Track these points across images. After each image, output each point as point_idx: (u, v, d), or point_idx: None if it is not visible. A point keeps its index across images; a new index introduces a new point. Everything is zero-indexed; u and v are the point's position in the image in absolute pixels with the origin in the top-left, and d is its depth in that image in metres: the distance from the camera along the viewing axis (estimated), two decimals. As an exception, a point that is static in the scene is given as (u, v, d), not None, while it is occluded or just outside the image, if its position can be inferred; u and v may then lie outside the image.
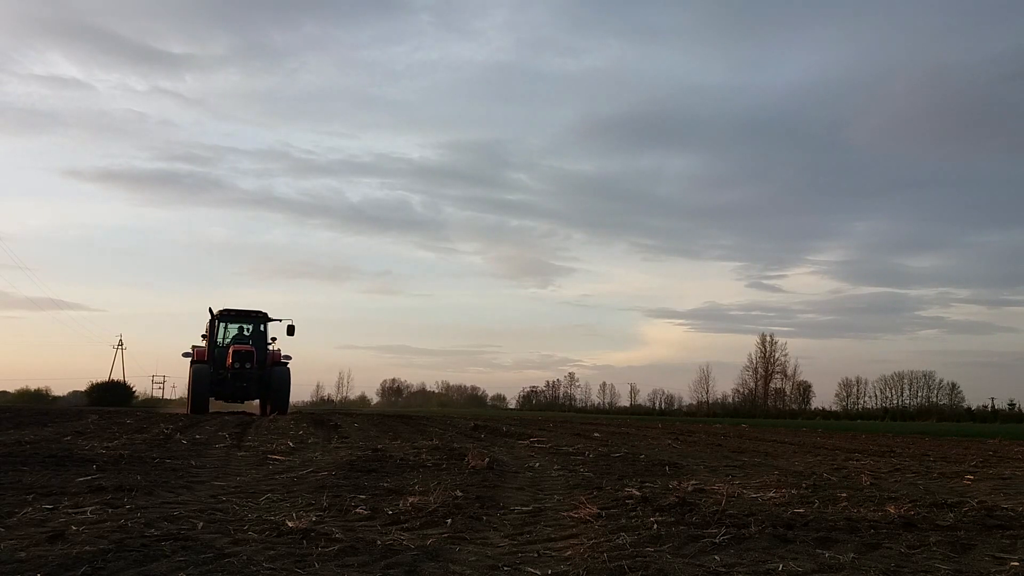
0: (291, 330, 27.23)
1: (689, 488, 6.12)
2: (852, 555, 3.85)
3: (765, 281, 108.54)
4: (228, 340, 27.75)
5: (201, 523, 4.15)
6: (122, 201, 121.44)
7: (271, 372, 26.35)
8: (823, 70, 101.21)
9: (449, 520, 4.52)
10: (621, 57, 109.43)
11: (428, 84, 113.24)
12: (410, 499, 5.13)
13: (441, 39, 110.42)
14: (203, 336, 27.59)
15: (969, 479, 8.25)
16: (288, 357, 27.61)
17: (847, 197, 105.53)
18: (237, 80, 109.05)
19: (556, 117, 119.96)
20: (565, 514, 4.85)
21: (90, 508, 4.52)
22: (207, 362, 26.28)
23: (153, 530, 3.89)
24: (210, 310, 26.88)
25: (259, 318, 27.58)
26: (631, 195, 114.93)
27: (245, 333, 28.10)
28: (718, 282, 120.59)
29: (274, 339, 27.85)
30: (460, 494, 5.49)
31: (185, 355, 27.29)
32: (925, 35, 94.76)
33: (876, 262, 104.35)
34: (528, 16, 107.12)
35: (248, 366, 25.73)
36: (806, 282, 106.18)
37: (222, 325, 27.93)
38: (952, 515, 5.18)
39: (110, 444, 9.12)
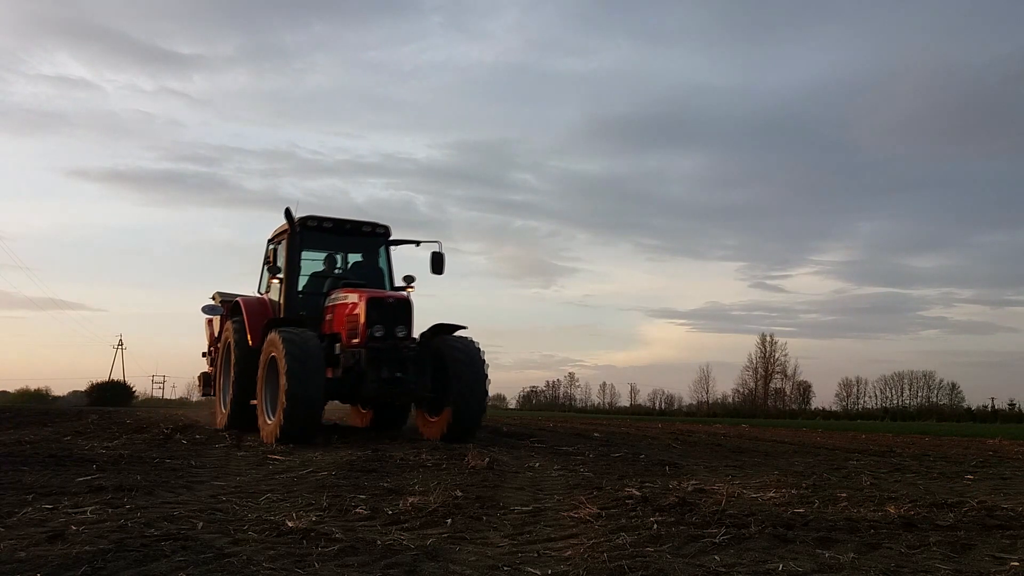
0: (437, 264, 12.40)
1: (689, 488, 6.12)
2: (852, 555, 3.85)
3: (768, 281, 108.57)
4: (309, 281, 12.44)
5: (201, 523, 4.15)
6: (128, 201, 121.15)
7: (441, 348, 11.08)
8: (830, 71, 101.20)
9: (449, 520, 4.51)
10: (629, 57, 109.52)
11: (436, 85, 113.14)
12: (410, 499, 5.13)
13: (450, 40, 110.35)
14: (271, 274, 12.23)
15: (969, 479, 8.25)
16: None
17: (852, 197, 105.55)
18: (245, 80, 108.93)
19: (563, 117, 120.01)
20: (565, 514, 4.85)
21: (90, 508, 4.52)
22: (288, 322, 10.99)
23: (153, 530, 3.89)
24: (287, 212, 11.84)
25: (377, 235, 12.64)
26: (637, 195, 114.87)
27: (343, 265, 12.94)
28: (721, 282, 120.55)
29: (410, 282, 12.14)
30: (460, 494, 5.49)
31: (210, 311, 14.26)
32: (933, 35, 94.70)
33: (880, 262, 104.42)
34: (537, 16, 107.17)
35: (403, 333, 10.79)
36: (809, 282, 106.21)
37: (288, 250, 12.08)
38: (952, 515, 5.18)
39: (110, 444, 9.13)
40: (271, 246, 12.36)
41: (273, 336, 10.07)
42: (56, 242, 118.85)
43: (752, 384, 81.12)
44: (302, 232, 11.90)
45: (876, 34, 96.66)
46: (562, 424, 22.58)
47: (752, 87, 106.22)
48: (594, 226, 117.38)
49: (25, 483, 5.54)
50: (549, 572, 3.39)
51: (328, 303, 11.53)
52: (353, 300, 10.78)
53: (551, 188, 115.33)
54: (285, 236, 11.94)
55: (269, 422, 10.09)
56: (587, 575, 3.34)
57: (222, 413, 12.82)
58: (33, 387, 66.49)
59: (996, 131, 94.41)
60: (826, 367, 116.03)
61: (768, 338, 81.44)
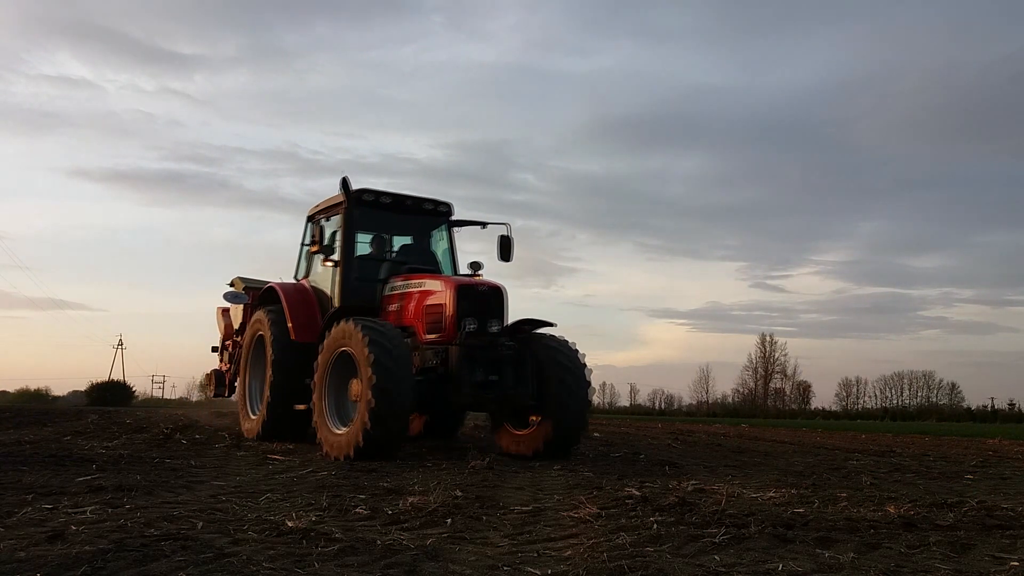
0: (506, 250, 10.50)
1: (689, 488, 6.12)
2: (852, 555, 3.85)
3: (768, 281, 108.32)
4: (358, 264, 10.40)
5: (201, 523, 4.15)
6: (128, 201, 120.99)
7: (535, 349, 9.09)
8: (833, 70, 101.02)
9: (449, 520, 4.52)
10: (631, 58, 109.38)
11: (437, 85, 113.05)
12: (410, 499, 5.13)
13: (451, 40, 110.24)
14: (324, 255, 10.09)
15: (969, 479, 8.25)
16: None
17: (853, 197, 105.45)
18: (247, 80, 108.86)
19: (565, 118, 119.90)
20: (565, 514, 4.85)
21: (90, 508, 4.52)
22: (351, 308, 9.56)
23: (153, 530, 3.89)
24: (344, 182, 10.03)
25: (439, 214, 10.83)
26: (638, 195, 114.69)
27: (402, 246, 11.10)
28: (721, 282, 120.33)
29: (477, 269, 9.89)
30: (460, 494, 5.49)
31: (233, 299, 12.31)
32: (935, 34, 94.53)
33: (880, 262, 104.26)
34: (538, 17, 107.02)
35: (496, 328, 8.99)
36: (809, 282, 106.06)
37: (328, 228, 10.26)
38: (952, 515, 5.18)
39: (110, 444, 9.13)
40: (314, 224, 10.34)
41: (348, 328, 8.21)
42: (56, 242, 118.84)
43: (752, 384, 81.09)
44: (355, 202, 9.95)
45: (877, 33, 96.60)
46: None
47: (754, 87, 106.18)
48: (595, 226, 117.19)
49: (25, 483, 5.54)
50: (549, 572, 3.38)
51: (390, 292, 9.72)
52: (435, 288, 9.00)
53: (552, 188, 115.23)
54: (337, 210, 10.12)
55: (338, 432, 8.22)
56: (587, 575, 3.34)
57: (251, 419, 10.63)
58: (33, 387, 66.53)
59: (998, 131, 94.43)
60: (826, 367, 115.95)
61: (768, 338, 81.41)
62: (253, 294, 11.82)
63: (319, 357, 8.71)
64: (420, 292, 9.21)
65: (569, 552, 3.76)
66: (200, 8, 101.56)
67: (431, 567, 3.41)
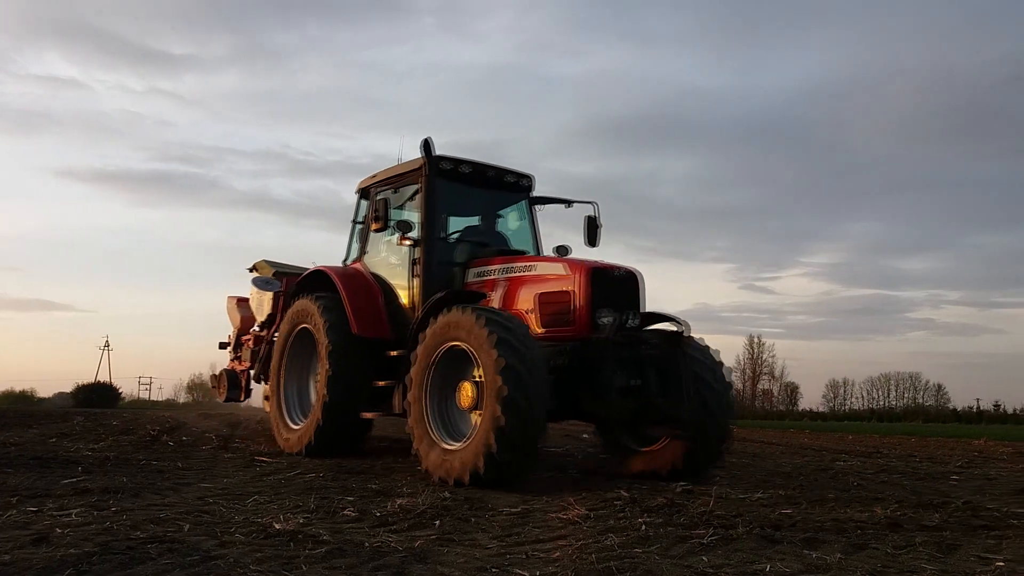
0: (592, 233, 9.15)
1: (677, 489, 6.14)
2: (839, 555, 3.87)
3: (757, 283, 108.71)
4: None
5: (187, 525, 4.12)
6: (117, 202, 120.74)
7: (681, 351, 7.33)
8: (825, 72, 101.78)
9: (437, 522, 4.51)
10: (623, 60, 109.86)
11: (430, 86, 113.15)
12: (398, 501, 5.12)
13: (444, 41, 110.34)
14: (400, 233, 8.21)
15: (955, 480, 8.31)
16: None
17: (842, 199, 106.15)
18: (237, 81, 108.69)
19: (557, 119, 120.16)
20: (553, 515, 4.85)
21: (75, 510, 4.48)
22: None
23: (139, 532, 3.86)
24: (427, 144, 8.31)
25: (521, 188, 9.24)
26: (630, 197, 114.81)
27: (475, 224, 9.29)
28: (710, 284, 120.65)
29: (563, 254, 8.93)
30: (448, 495, 5.49)
31: (264, 285, 10.83)
32: (926, 38, 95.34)
33: (869, 264, 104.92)
34: (531, 18, 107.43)
35: (635, 323, 7.42)
36: (798, 284, 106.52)
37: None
38: (938, 516, 5.22)
39: (96, 446, 9.07)
40: (370, 197, 9.10)
41: (465, 319, 6.63)
42: (44, 242, 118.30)
43: (740, 385, 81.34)
44: (436, 168, 8.32)
45: (868, 36, 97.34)
46: (552, 426, 22.58)
47: (745, 89, 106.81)
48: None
49: (10, 485, 5.49)
50: (537, 573, 3.38)
51: (478, 278, 8.16)
52: (555, 272, 7.51)
53: (544, 190, 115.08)
54: (409, 180, 8.62)
55: (450, 447, 6.61)
56: (575, 576, 3.34)
57: (291, 429, 8.97)
58: (18, 389, 66.06)
59: (987, 134, 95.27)
60: (814, 368, 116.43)
61: (756, 339, 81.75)
62: (286, 280, 10.32)
63: (418, 349, 7.06)
64: (530, 277, 7.68)
65: (558, 553, 3.76)
66: (190, 8, 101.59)
67: (419, 569, 3.40)
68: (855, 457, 11.34)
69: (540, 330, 7.36)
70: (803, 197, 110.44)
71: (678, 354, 7.26)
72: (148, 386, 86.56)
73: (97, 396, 52.38)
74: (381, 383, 7.92)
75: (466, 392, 6.55)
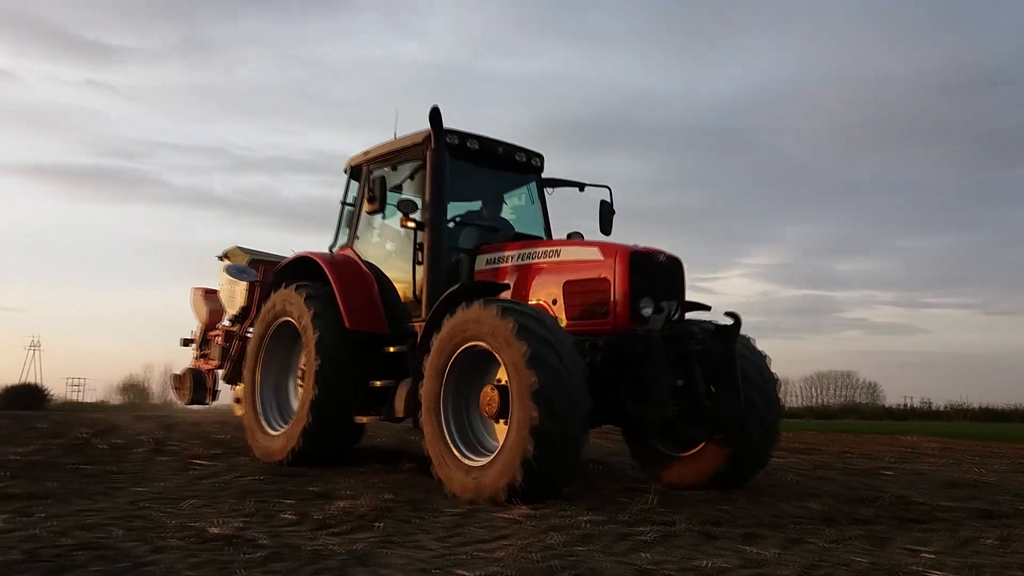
0: (607, 219, 8.33)
1: (619, 487, 6.19)
2: (775, 550, 3.94)
3: (699, 284, 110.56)
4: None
5: (119, 531, 4.00)
6: (48, 197, 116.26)
7: (731, 352, 6.40)
8: (764, 77, 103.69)
9: (379, 524, 4.46)
10: (568, 61, 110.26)
11: (371, 82, 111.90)
12: (339, 503, 5.05)
13: (386, 37, 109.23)
14: (404, 213, 7.26)
15: (887, 475, 8.56)
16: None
17: (780, 202, 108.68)
18: (175, 74, 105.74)
19: (502, 119, 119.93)
20: (496, 515, 4.85)
21: (0, 517, 4.31)
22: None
23: (67, 539, 3.74)
24: (435, 114, 7.03)
25: (532, 168, 8.37)
26: (574, 199, 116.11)
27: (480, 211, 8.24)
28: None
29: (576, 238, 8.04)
30: (391, 497, 5.44)
31: (239, 274, 9.57)
32: (865, 43, 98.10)
33: (805, 265, 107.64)
34: (476, 17, 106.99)
35: (679, 315, 6.65)
36: (737, 284, 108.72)
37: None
38: (870, 510, 5.37)
39: (22, 450, 8.73)
40: (362, 176, 8.17)
41: (484, 314, 5.76)
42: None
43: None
44: (447, 148, 7.25)
45: (809, 41, 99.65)
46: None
47: (689, 93, 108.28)
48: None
49: (-72, 492, 5.26)
50: (480, 573, 3.37)
51: (490, 264, 7.38)
52: (588, 256, 6.71)
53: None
54: (411, 154, 7.79)
55: (476, 464, 5.74)
56: (519, 575, 3.33)
57: (269, 436, 8.03)
58: (-60, 392, 63.33)
59: (920, 140, 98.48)
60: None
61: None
62: (264, 269, 9.44)
63: (433, 347, 6.16)
64: (555, 264, 6.88)
65: (501, 553, 3.75)
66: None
67: (360, 573, 3.36)
68: (792, 454, 11.58)
69: (566, 322, 6.53)
70: (743, 200, 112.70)
71: (729, 350, 6.42)
72: (79, 387, 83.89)
73: (23, 398, 50.59)
74: (378, 383, 7.17)
75: (487, 398, 5.74)
